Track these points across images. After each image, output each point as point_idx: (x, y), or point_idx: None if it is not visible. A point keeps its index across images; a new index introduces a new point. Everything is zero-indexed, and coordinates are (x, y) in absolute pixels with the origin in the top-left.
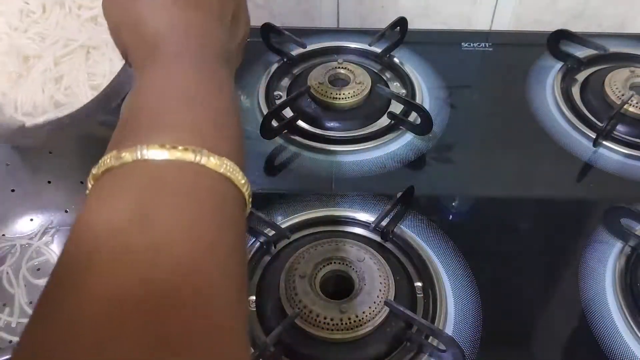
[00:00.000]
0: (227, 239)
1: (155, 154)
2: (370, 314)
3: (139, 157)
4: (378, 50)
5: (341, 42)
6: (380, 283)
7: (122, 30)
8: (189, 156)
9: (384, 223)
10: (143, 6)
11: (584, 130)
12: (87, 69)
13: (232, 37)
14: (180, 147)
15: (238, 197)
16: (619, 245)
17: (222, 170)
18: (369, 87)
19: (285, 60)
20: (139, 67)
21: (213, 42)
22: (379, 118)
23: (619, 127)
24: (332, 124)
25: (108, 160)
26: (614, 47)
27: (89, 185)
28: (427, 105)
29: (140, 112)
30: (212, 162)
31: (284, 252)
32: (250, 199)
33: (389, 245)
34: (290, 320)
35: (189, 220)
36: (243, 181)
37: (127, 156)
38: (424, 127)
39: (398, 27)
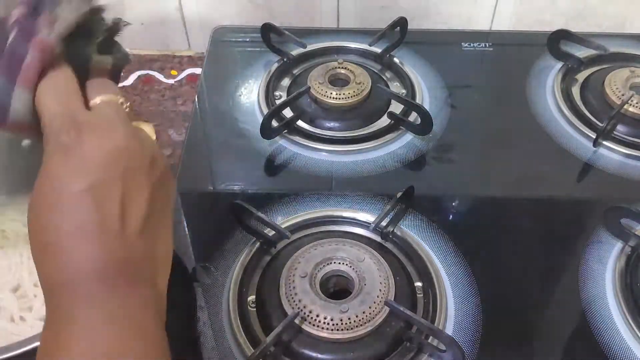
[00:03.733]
0: None
1: None
2: (370, 314)
3: None
4: (378, 50)
5: (341, 42)
6: (380, 283)
7: (38, 271)
8: None
9: (384, 223)
10: (53, 251)
11: (584, 130)
12: None
13: (149, 247)
14: None
15: None
16: (619, 245)
17: None
18: (369, 87)
19: (285, 60)
20: (47, 309)
21: (122, 273)
22: (379, 118)
23: (619, 127)
24: (332, 124)
25: None
26: (614, 47)
27: None
28: (427, 105)
29: None
30: None
31: (284, 252)
32: None
33: (389, 245)
34: (290, 320)
35: None
36: None
37: None
38: (424, 127)
39: (398, 27)
